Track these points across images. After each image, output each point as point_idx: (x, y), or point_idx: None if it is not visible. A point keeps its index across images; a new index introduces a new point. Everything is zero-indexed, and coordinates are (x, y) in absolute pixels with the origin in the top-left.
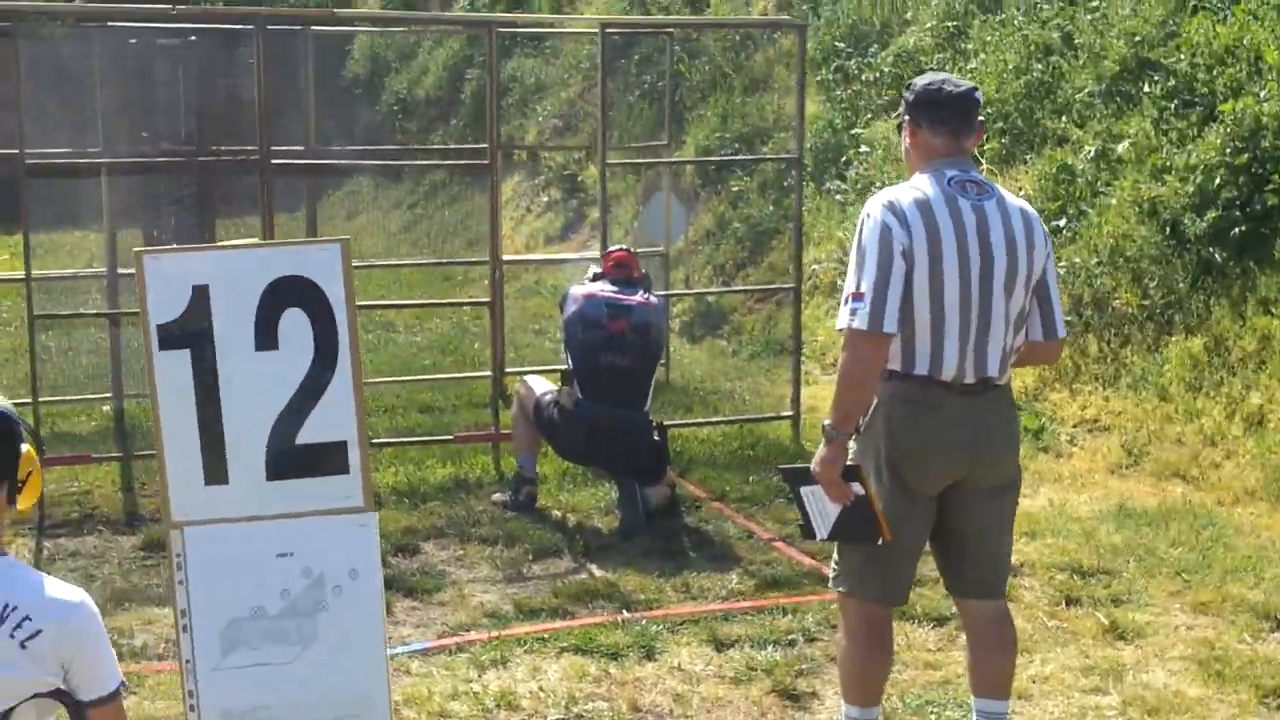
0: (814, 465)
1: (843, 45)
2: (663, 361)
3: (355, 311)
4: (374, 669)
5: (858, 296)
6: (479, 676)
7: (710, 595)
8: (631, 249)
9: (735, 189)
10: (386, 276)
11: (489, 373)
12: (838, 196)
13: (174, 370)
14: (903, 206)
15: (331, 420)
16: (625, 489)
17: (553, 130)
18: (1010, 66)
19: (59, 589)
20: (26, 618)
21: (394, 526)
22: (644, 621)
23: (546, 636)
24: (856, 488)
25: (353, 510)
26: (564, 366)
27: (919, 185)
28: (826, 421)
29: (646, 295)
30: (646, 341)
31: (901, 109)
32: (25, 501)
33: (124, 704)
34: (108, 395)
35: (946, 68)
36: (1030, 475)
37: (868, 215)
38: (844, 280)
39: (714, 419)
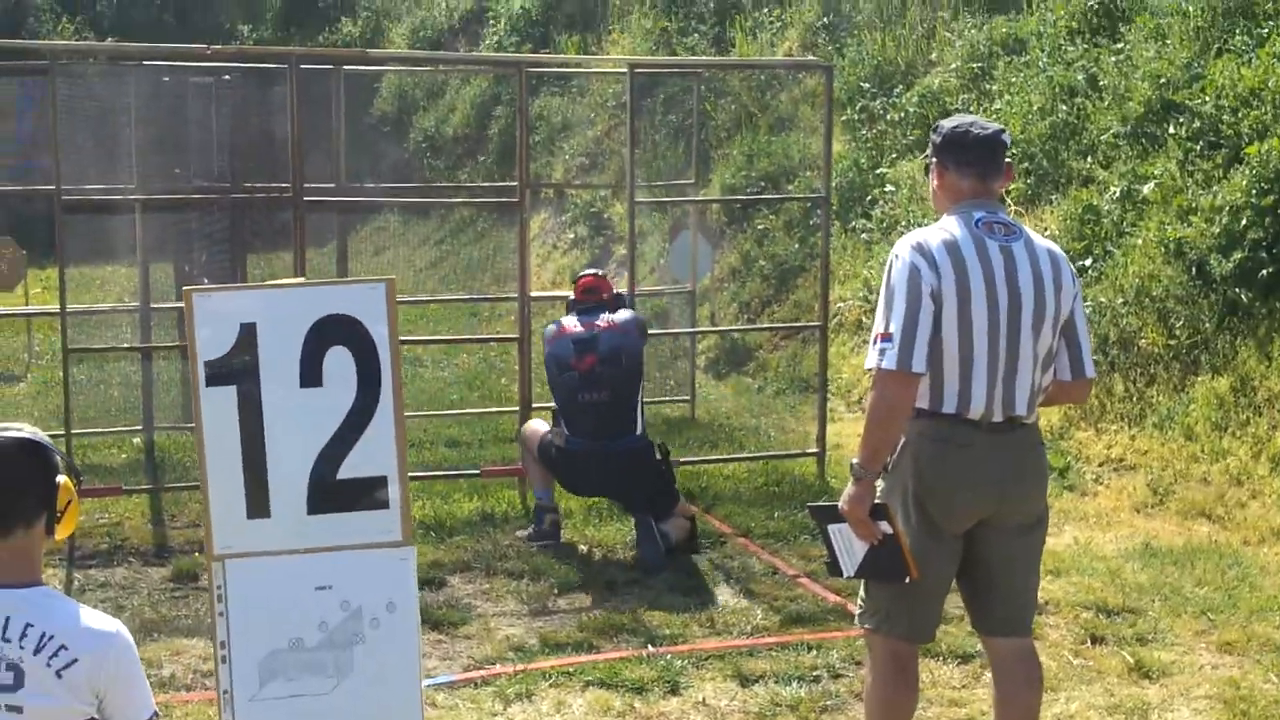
0: (842, 503)
1: (867, 85)
2: (647, 382)
3: (399, 350)
4: (409, 701)
5: (886, 337)
6: (504, 710)
7: (735, 630)
8: (600, 273)
9: (761, 227)
10: (413, 312)
11: (516, 408)
12: (863, 235)
13: (220, 406)
14: (931, 248)
15: (373, 455)
16: (640, 525)
17: (579, 168)
18: (1035, 108)
19: (95, 619)
20: (63, 646)
21: (421, 560)
22: (669, 656)
23: (571, 670)
24: (884, 526)
25: (392, 544)
26: (553, 406)
27: (947, 226)
28: (855, 460)
29: (610, 317)
30: (619, 370)
31: (929, 151)
32: (63, 532)
33: None
34: (138, 428)
35: (971, 108)
36: (1056, 514)
37: (896, 256)
38: (870, 319)
39: (739, 455)
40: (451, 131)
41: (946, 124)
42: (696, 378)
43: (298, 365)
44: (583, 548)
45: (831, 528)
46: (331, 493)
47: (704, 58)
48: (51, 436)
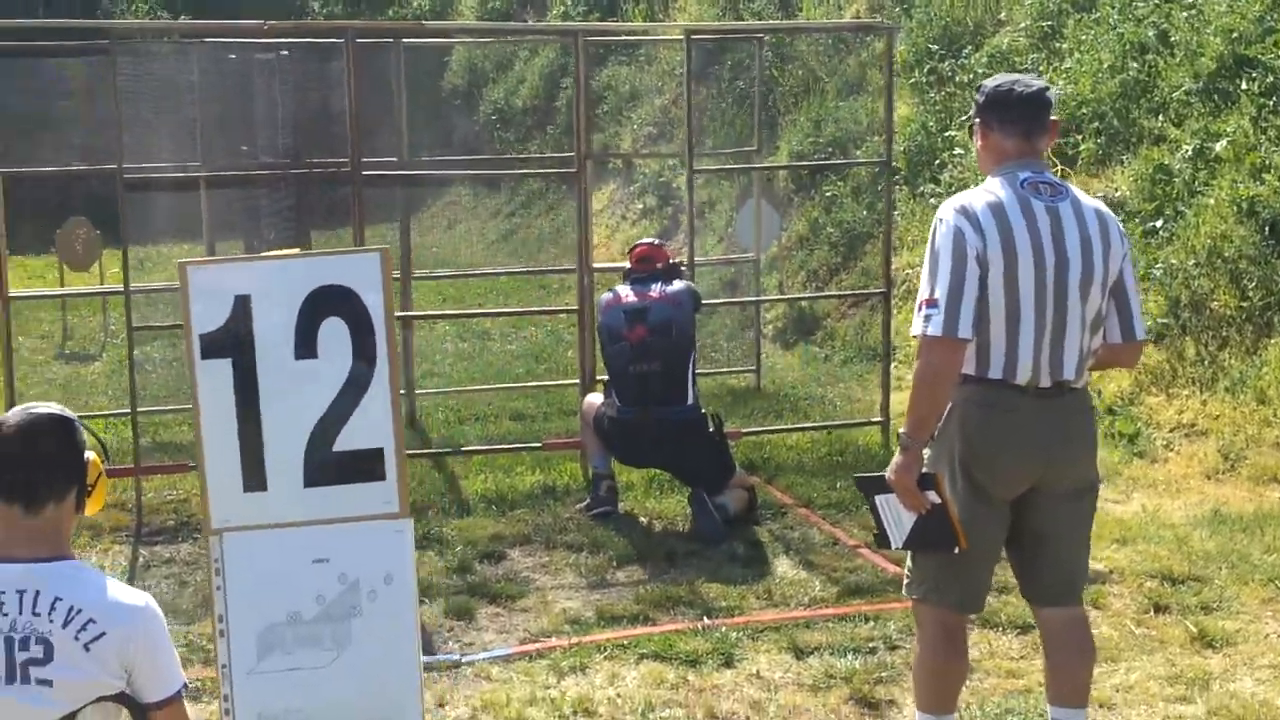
0: (889, 473)
1: (935, 47)
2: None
3: (394, 320)
4: (407, 673)
5: (932, 303)
6: (558, 683)
7: (792, 602)
8: (657, 242)
9: (829, 194)
10: (483, 285)
11: (578, 381)
12: (931, 200)
13: (216, 379)
14: (976, 211)
15: (369, 427)
16: (695, 497)
17: (647, 137)
18: (1105, 66)
19: (123, 592)
20: (91, 620)
21: (481, 533)
22: (724, 629)
23: (626, 643)
24: (932, 495)
25: (389, 516)
26: (605, 377)
27: (991, 188)
28: (902, 429)
29: (664, 288)
30: (669, 341)
31: (972, 111)
32: (93, 508)
33: (186, 706)
34: None
35: (1040, 68)
36: (1124, 481)
37: (940, 220)
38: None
39: (802, 425)
40: (520, 103)
41: (989, 83)
42: (765, 348)
43: (292, 337)
44: (642, 520)
45: (879, 498)
46: (328, 465)
47: (764, 22)
48: (122, 415)
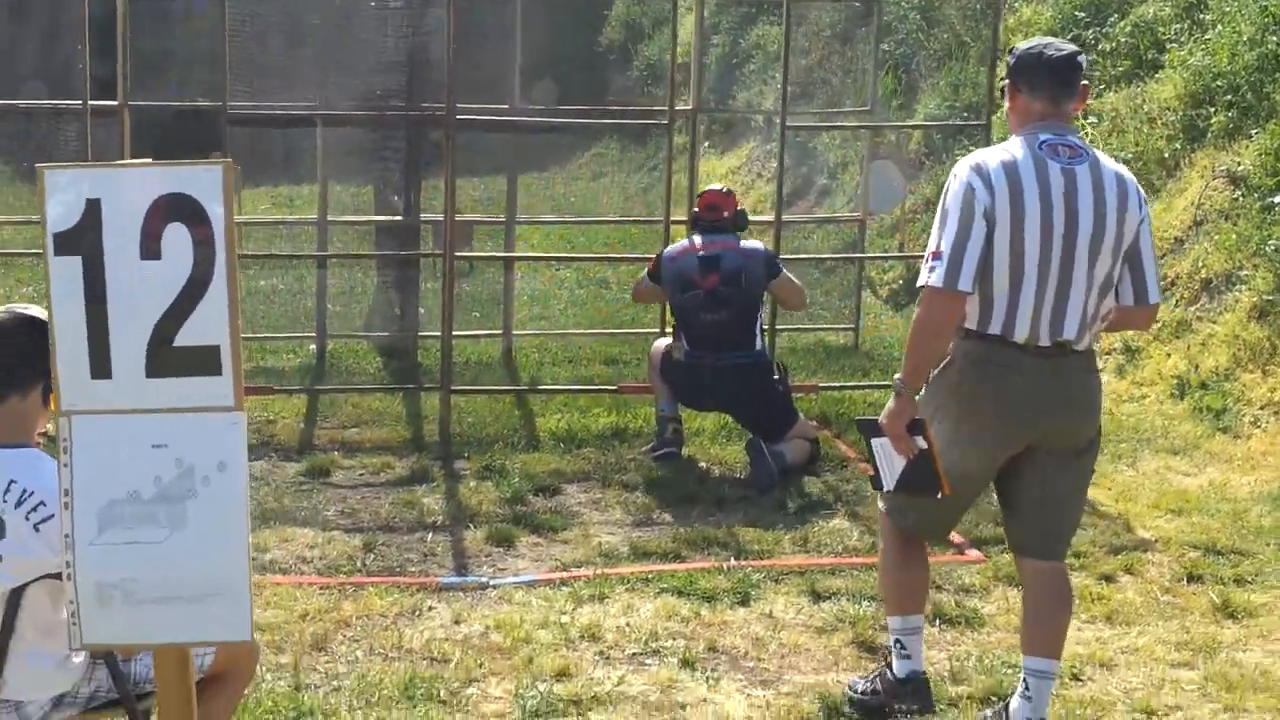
0: (881, 418)
1: (1082, 15)
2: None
3: (234, 229)
4: (236, 553)
5: (936, 255)
6: (573, 610)
7: (825, 549)
8: (726, 190)
9: (960, 156)
10: (614, 234)
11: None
12: None
13: (67, 273)
14: (989, 168)
15: (207, 326)
16: (751, 444)
17: (791, 96)
18: (1244, 38)
19: None
20: (41, 503)
21: (542, 468)
22: (747, 569)
23: (650, 577)
24: (920, 441)
25: (223, 409)
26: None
27: (1009, 147)
28: (897, 376)
29: (738, 242)
30: (739, 290)
31: (1004, 73)
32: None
33: None
34: (313, 334)
35: (1182, 38)
36: (1201, 454)
37: (955, 176)
38: None
39: (880, 383)
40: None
41: (1021, 46)
42: (877, 309)
43: (138, 239)
44: (702, 464)
45: (874, 441)
46: (168, 358)
47: None
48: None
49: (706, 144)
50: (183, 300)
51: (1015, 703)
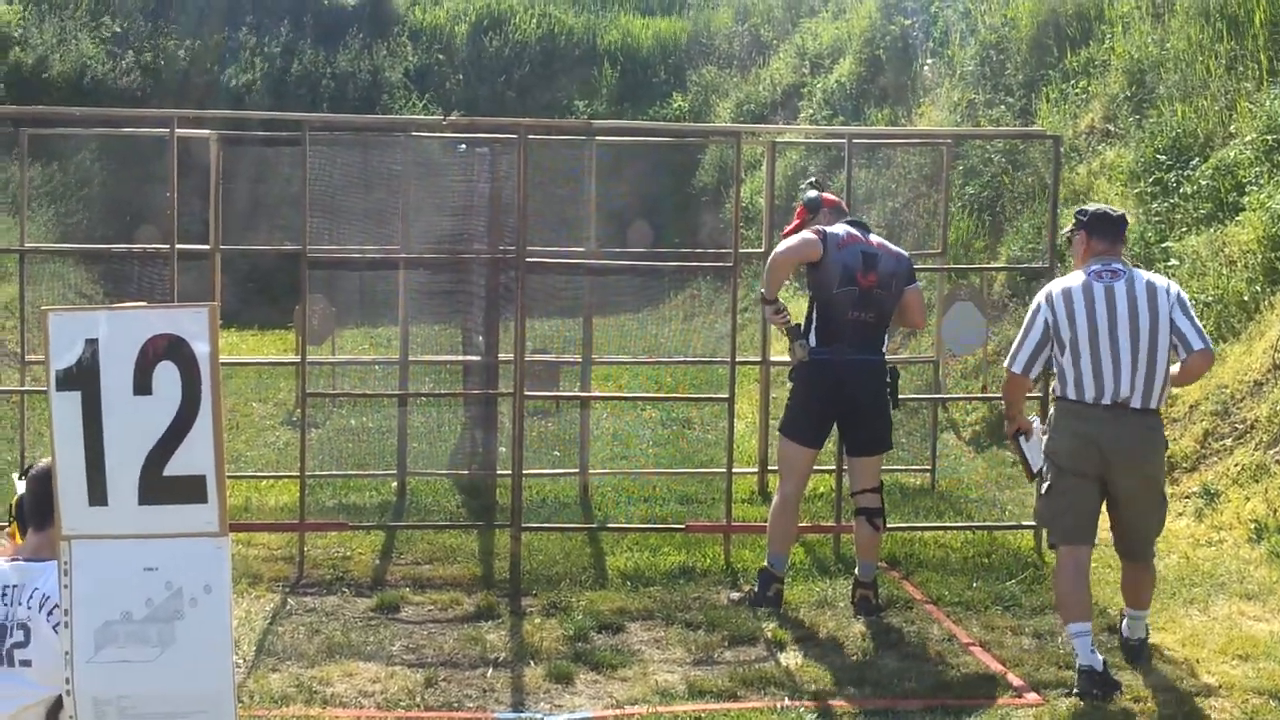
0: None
1: (1163, 157)
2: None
3: (219, 366)
4: (221, 671)
5: (1014, 349)
6: None
7: (883, 691)
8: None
9: None
10: (701, 375)
11: (753, 469)
12: None
13: (68, 408)
14: (1055, 293)
15: (194, 457)
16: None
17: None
18: None
19: None
20: (56, 605)
21: (607, 605)
22: (801, 709)
23: (702, 715)
24: (1022, 440)
25: (209, 534)
26: (793, 323)
27: (1073, 277)
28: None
29: (883, 241)
30: (889, 294)
31: (1073, 226)
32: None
33: None
34: (393, 472)
35: (1262, 180)
36: (1276, 599)
37: (1035, 300)
38: None
39: (953, 525)
40: (763, 202)
41: (1089, 208)
42: (958, 450)
43: (132, 376)
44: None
45: (1020, 440)
46: (159, 487)
47: (936, 128)
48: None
49: (795, 286)
50: (172, 433)
51: (1124, 626)
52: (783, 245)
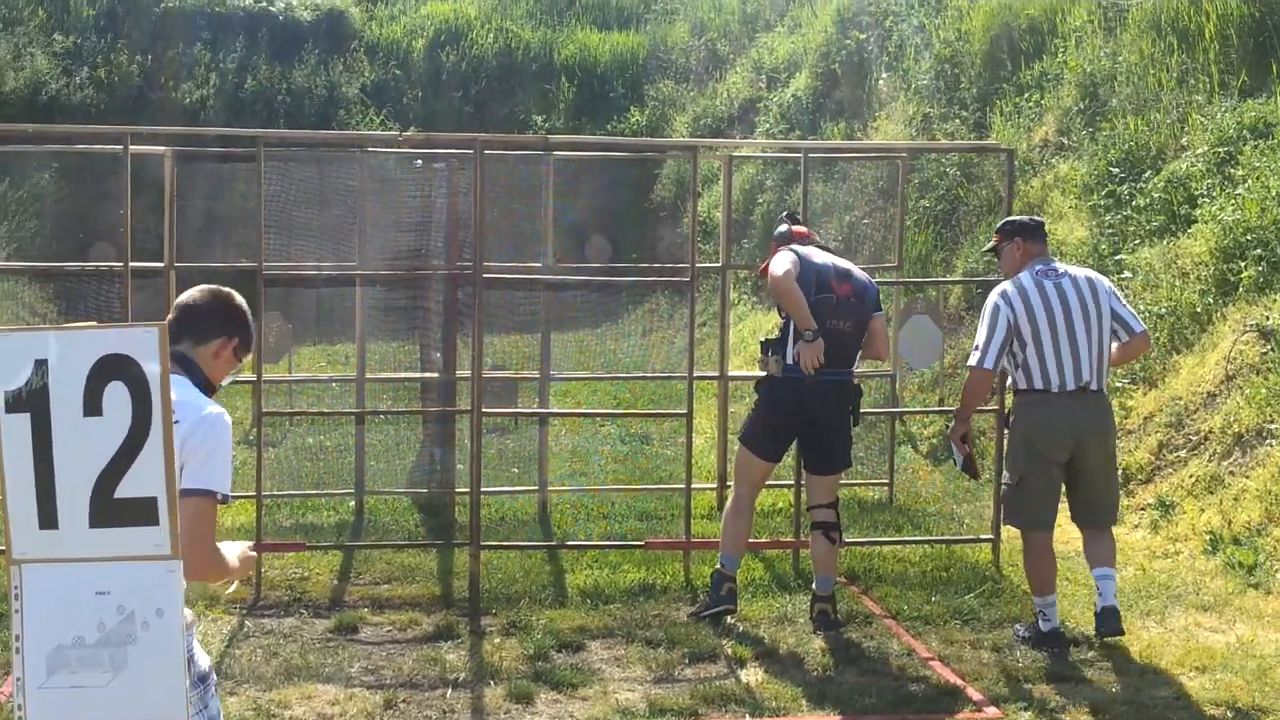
0: (950, 434)
1: (1116, 170)
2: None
3: (170, 387)
4: (174, 694)
5: (977, 347)
6: None
7: (844, 707)
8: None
9: None
10: (659, 391)
11: (711, 484)
12: None
13: (17, 431)
14: (1010, 292)
15: (144, 479)
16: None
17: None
18: (1273, 193)
19: (202, 400)
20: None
21: (567, 624)
22: None
23: None
24: (966, 446)
25: (160, 557)
26: (768, 337)
27: (1022, 277)
28: (957, 408)
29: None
30: (863, 306)
31: (999, 238)
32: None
33: (215, 514)
34: (351, 491)
35: (1214, 193)
36: (1231, 610)
37: (990, 299)
38: None
39: (911, 539)
40: (720, 216)
41: (1015, 219)
42: (916, 464)
43: (81, 397)
44: (729, 619)
45: (953, 446)
46: (109, 510)
47: (892, 142)
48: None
49: (755, 300)
50: (122, 454)
51: (1099, 597)
52: (778, 270)
